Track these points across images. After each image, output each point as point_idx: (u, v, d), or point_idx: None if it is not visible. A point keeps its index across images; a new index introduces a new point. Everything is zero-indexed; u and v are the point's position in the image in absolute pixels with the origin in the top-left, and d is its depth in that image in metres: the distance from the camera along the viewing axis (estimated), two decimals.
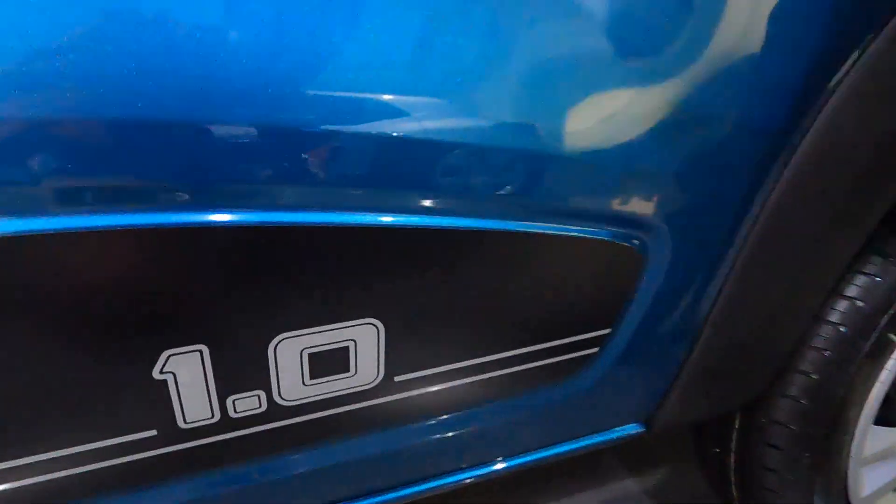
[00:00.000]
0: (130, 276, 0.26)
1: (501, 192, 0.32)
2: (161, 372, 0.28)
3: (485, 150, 0.30)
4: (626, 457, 0.81)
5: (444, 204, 0.31)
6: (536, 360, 0.39)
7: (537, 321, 0.37)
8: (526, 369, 0.39)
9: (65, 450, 0.28)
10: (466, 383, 0.37)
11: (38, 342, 0.26)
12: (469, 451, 0.43)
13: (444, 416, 0.39)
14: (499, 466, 0.44)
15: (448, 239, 0.31)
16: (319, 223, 0.28)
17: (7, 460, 0.28)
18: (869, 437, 0.56)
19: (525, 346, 0.38)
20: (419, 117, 0.28)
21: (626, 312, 0.40)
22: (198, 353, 0.28)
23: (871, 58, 0.36)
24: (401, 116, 0.27)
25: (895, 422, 0.60)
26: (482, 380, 0.38)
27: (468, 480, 0.45)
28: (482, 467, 0.44)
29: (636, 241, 0.37)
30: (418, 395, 0.36)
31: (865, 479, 0.59)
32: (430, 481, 0.43)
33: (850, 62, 0.35)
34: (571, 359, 0.40)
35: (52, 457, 0.28)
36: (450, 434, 0.40)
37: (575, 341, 0.39)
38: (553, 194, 0.33)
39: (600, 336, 0.40)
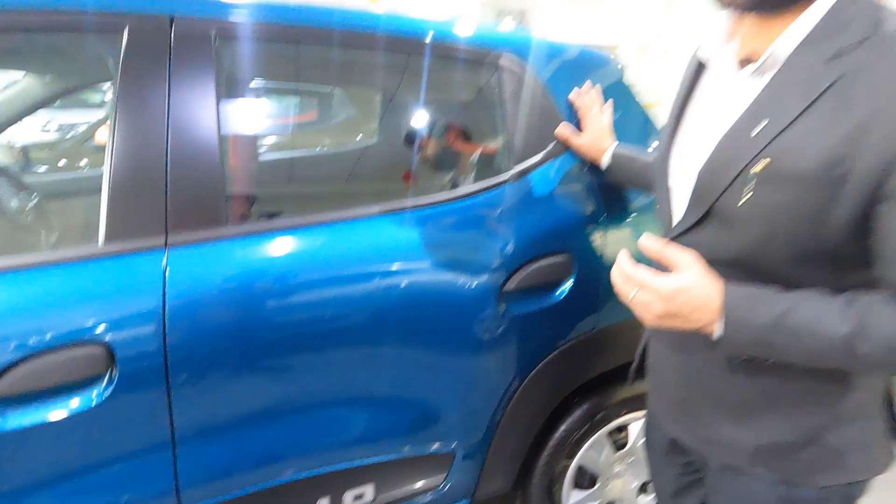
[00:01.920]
0: None
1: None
2: None
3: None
4: None
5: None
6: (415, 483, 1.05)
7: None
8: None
9: None
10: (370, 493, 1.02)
11: None
12: None
13: None
14: None
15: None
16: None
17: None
18: (571, 494, 1.27)
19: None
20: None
21: (451, 468, 1.07)
22: None
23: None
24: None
25: (585, 487, 1.31)
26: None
27: None
28: None
29: (445, 447, 1.05)
30: None
31: None
32: None
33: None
34: (432, 480, 1.06)
35: None
36: None
37: (430, 478, 1.06)
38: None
39: (441, 475, 1.07)
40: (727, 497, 0.72)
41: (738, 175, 0.56)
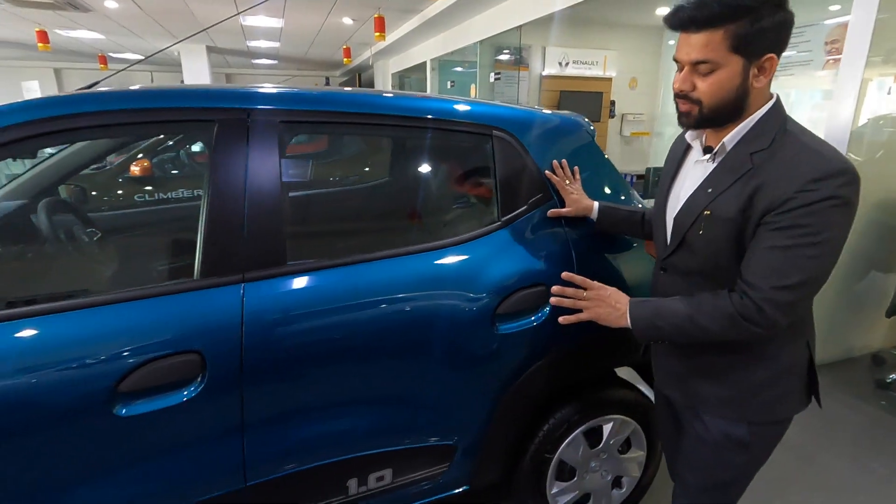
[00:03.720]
0: None
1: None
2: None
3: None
4: None
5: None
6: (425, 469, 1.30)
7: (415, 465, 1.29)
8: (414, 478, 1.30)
9: None
10: (389, 476, 1.27)
11: None
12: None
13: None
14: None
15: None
16: None
17: None
18: (554, 485, 1.52)
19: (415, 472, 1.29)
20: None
21: (454, 458, 1.32)
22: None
23: None
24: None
25: (565, 479, 1.55)
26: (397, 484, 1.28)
27: None
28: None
29: (448, 440, 1.30)
30: None
31: (556, 501, 1.54)
32: None
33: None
34: (439, 467, 1.32)
35: None
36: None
37: (436, 465, 1.31)
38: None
39: (446, 464, 1.32)
40: (693, 433, 1.06)
41: (697, 216, 0.91)
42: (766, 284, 0.82)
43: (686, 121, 0.90)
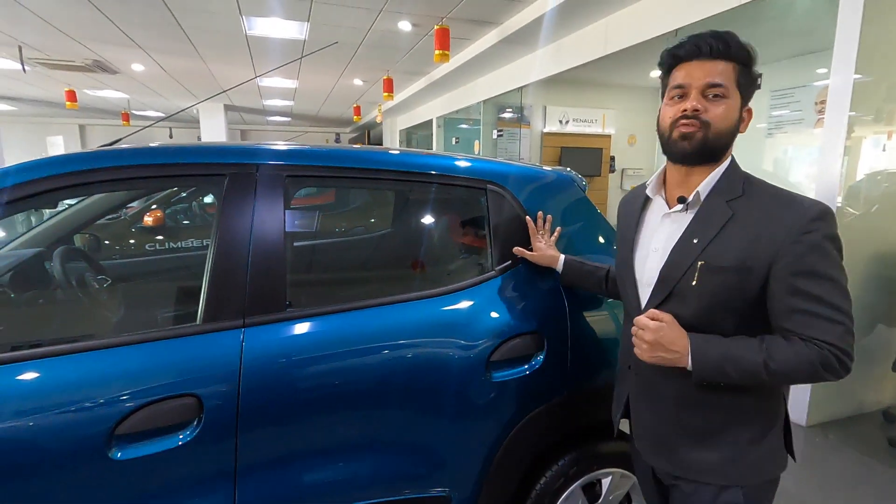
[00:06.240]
0: None
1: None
2: None
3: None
4: None
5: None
6: None
7: None
8: None
9: None
10: None
11: None
12: None
13: None
14: None
15: None
16: None
17: None
18: None
19: None
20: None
21: None
22: None
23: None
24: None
25: None
26: None
27: None
28: None
29: (443, 491, 1.28)
30: None
31: None
32: None
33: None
34: None
35: None
36: None
37: None
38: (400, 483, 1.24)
39: None
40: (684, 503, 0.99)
41: (689, 267, 0.90)
42: (831, 336, 0.82)
43: (687, 145, 0.89)
